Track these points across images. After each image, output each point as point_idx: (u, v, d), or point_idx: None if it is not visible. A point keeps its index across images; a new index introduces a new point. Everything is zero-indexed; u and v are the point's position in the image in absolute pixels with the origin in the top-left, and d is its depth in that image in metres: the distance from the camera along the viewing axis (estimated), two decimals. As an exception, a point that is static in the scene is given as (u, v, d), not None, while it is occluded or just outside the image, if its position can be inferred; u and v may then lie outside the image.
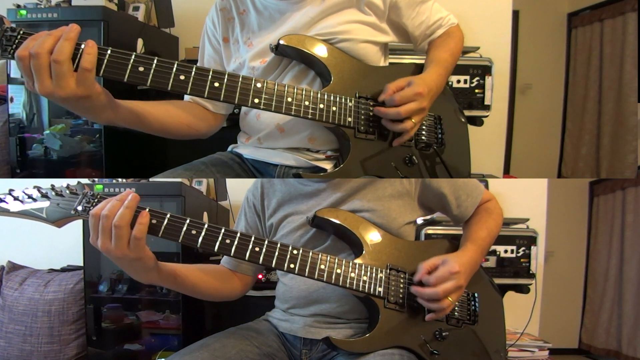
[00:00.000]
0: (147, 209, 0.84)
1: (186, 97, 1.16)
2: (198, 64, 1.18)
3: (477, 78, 2.02)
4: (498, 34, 2.50)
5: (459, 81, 2.01)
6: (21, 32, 0.78)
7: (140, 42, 2.04)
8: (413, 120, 0.97)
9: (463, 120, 1.18)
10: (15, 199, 0.85)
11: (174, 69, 0.85)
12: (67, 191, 0.87)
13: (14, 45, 0.77)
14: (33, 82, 0.77)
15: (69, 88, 0.77)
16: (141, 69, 0.83)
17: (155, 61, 0.84)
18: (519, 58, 3.57)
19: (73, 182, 0.90)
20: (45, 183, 0.89)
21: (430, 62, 1.10)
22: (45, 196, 0.86)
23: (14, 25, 0.78)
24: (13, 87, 2.00)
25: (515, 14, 3.50)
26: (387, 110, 0.97)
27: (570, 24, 3.78)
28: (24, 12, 1.85)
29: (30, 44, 0.76)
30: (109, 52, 0.81)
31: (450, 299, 0.93)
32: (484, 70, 2.01)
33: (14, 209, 0.84)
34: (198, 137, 1.16)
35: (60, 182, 0.89)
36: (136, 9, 2.12)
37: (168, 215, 0.86)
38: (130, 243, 0.81)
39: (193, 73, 0.86)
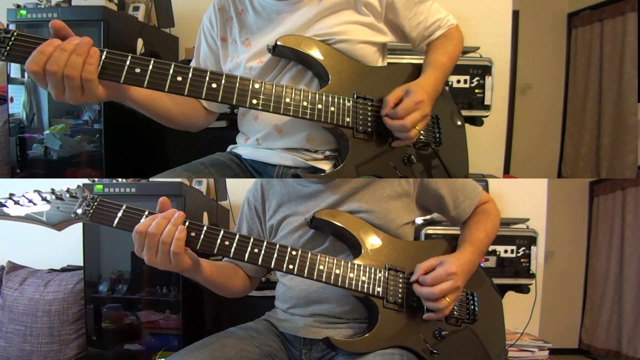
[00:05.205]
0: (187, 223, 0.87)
1: None
2: (193, 62, 1.18)
3: (477, 78, 2.01)
4: (498, 34, 2.50)
5: (459, 81, 2.01)
6: (15, 34, 0.77)
7: (140, 42, 2.04)
8: (417, 128, 0.97)
9: (460, 120, 1.18)
10: (16, 203, 0.85)
11: (171, 71, 0.84)
12: (67, 195, 0.88)
13: (8, 48, 0.77)
14: (62, 92, 0.79)
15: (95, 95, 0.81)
16: (138, 70, 0.82)
17: (151, 62, 0.83)
18: (519, 58, 3.57)
19: (73, 185, 0.90)
20: (46, 184, 0.90)
21: (428, 65, 1.09)
22: (45, 200, 0.87)
23: (11, 26, 0.77)
24: (13, 87, 2.00)
25: (515, 14, 3.49)
26: (393, 122, 0.97)
27: (570, 24, 3.78)
28: (24, 12, 1.84)
29: (39, 59, 0.76)
30: (104, 53, 0.80)
31: (447, 299, 0.94)
32: (484, 70, 2.02)
33: (15, 213, 0.85)
34: (191, 129, 1.17)
35: (60, 186, 0.90)
36: (136, 9, 2.12)
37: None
38: (171, 257, 0.84)
39: (190, 74, 0.86)
